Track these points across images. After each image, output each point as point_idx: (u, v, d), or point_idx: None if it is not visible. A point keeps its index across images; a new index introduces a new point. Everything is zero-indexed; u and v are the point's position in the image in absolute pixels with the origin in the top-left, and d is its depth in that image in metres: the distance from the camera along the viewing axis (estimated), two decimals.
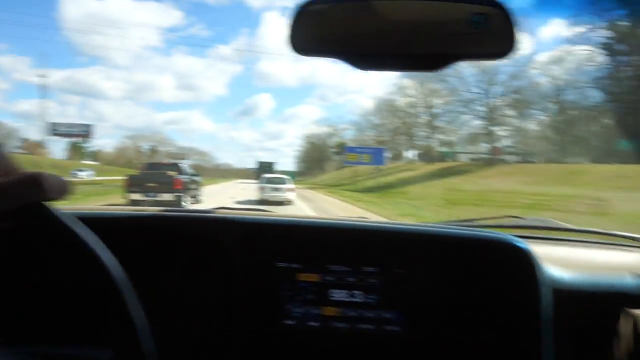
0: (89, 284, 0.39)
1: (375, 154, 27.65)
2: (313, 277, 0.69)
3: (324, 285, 0.70)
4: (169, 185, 9.41)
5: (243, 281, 0.68)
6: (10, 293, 0.60)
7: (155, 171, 10.56)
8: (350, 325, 0.69)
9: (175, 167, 11.28)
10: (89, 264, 0.34)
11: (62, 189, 0.36)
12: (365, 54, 0.53)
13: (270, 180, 14.91)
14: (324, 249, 0.70)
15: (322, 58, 0.54)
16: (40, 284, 0.58)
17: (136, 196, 9.14)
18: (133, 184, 9.38)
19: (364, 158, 27.24)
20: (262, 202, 12.64)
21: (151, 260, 0.65)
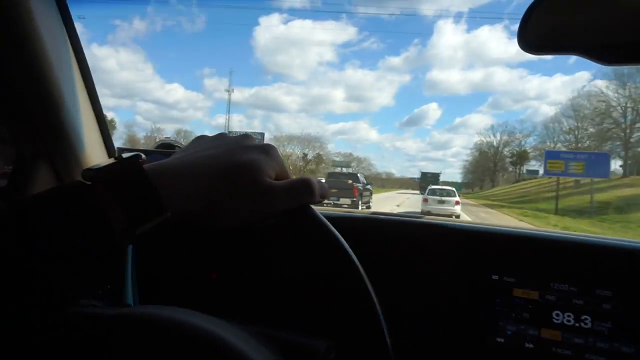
0: (335, 279, 0.42)
1: (593, 162, 18.39)
2: (531, 294, 0.65)
3: (544, 304, 0.64)
4: (349, 191, 11.65)
5: (452, 290, 0.68)
6: (260, 280, 0.74)
7: (336, 179, 12.79)
8: (575, 353, 0.62)
9: (353, 176, 13.57)
10: (339, 260, 0.38)
11: (324, 193, 0.40)
12: (611, 46, 0.48)
13: (435, 192, 14.43)
14: (544, 265, 0.65)
15: (558, 54, 0.51)
16: (291, 275, 0.70)
17: None
18: None
19: (574, 167, 18.37)
20: (426, 214, 12.28)
21: (362, 260, 0.72)
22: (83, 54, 0.69)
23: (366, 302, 0.37)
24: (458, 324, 0.67)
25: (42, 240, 0.26)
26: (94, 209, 0.29)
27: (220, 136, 0.40)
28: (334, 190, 11.37)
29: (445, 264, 0.68)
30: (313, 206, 0.40)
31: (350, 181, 12.37)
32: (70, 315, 0.41)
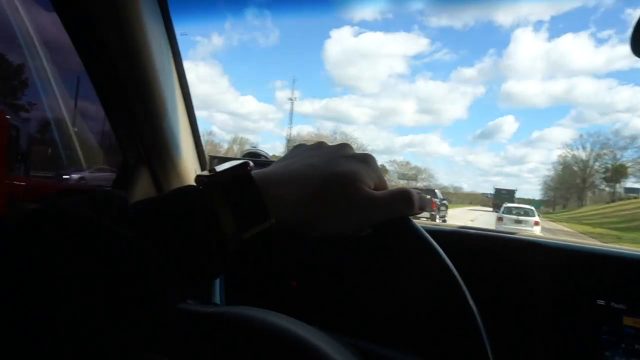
0: (435, 294, 0.40)
1: None
2: None
3: None
4: (429, 206, 12.94)
5: (552, 315, 0.62)
6: (353, 290, 0.74)
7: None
8: None
9: (431, 192, 15.34)
10: (439, 274, 0.36)
11: (423, 205, 0.39)
12: None
13: (511, 210, 13.47)
14: None
15: None
16: (382, 287, 0.70)
17: None
18: None
19: None
20: None
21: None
22: (183, 69, 0.76)
23: (469, 321, 0.35)
24: (558, 353, 0.61)
25: (159, 239, 0.28)
26: (207, 212, 0.30)
27: (320, 145, 0.40)
28: None
29: (544, 286, 0.63)
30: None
31: (428, 196, 13.66)
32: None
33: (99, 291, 0.25)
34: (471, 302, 0.35)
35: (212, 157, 0.87)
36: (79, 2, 0.61)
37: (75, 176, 0.98)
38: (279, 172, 0.36)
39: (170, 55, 0.72)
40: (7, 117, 0.89)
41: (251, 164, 0.34)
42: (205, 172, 0.34)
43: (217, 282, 0.75)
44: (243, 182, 0.32)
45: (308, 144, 0.42)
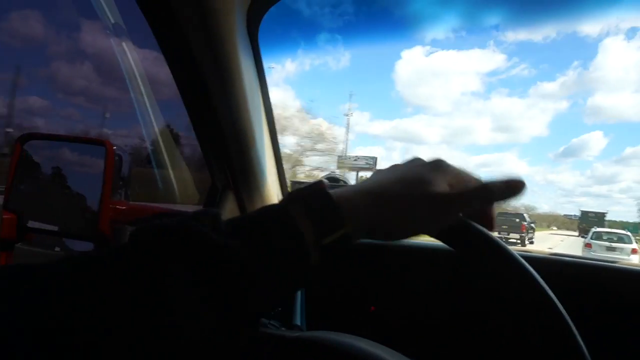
0: (531, 322, 0.38)
1: None
2: None
3: None
4: (518, 228, 14.44)
5: None
6: (436, 317, 0.73)
7: (506, 218, 15.09)
8: None
9: (520, 216, 15.78)
10: (539, 303, 0.35)
11: (506, 194, 0.39)
12: None
13: (601, 236, 12.16)
14: None
15: None
16: (476, 315, 0.68)
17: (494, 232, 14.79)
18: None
19: None
20: None
21: None
22: (269, 100, 0.81)
23: (569, 342, 0.33)
24: None
25: (250, 248, 0.31)
26: (289, 222, 0.33)
27: (394, 165, 0.42)
28: (504, 227, 14.31)
29: None
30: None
31: (518, 219, 15.02)
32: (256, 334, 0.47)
33: (209, 297, 0.28)
34: (576, 333, 0.33)
35: (294, 182, 0.91)
36: (181, 41, 0.69)
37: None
38: (352, 188, 0.38)
39: (259, 86, 0.78)
40: (114, 147, 1.01)
41: (326, 181, 0.37)
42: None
43: (299, 306, 0.77)
44: (319, 195, 0.35)
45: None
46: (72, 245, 1.02)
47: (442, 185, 0.37)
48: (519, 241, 14.35)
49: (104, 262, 0.28)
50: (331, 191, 0.36)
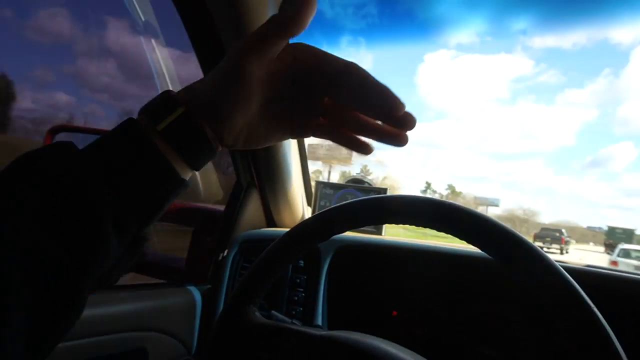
0: (571, 335, 0.37)
1: None
2: None
3: None
4: (559, 240, 17.82)
5: None
6: (462, 327, 0.73)
7: (548, 232, 18.99)
8: None
9: (560, 231, 19.42)
10: (580, 316, 0.34)
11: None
12: None
13: (630, 254, 11.74)
14: None
15: None
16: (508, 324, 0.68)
17: (539, 243, 16.16)
18: (538, 237, 17.63)
19: None
20: None
21: None
22: None
23: (611, 352, 0.33)
24: None
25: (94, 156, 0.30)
26: (127, 121, 0.32)
27: None
28: (547, 239, 17.64)
29: None
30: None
31: (558, 234, 18.76)
32: (281, 329, 0.47)
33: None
34: (617, 343, 0.33)
35: (319, 183, 0.92)
36: (213, 40, 0.71)
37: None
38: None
39: None
40: None
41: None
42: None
43: (320, 306, 0.78)
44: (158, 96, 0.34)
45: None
46: None
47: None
48: (558, 251, 17.69)
49: None
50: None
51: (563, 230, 20.31)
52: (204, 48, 0.75)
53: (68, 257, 0.27)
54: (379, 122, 0.35)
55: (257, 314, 0.47)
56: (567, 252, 18.68)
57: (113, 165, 0.29)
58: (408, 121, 0.33)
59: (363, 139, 0.36)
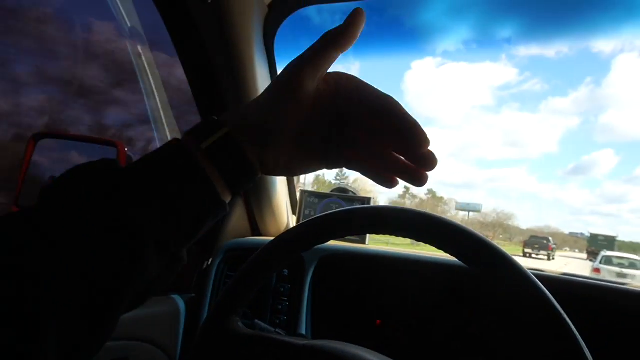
0: (541, 342, 0.38)
1: None
2: None
3: None
4: (546, 247, 19.19)
5: None
6: (442, 335, 0.74)
7: (537, 239, 20.49)
8: None
9: (547, 239, 20.92)
10: (550, 323, 0.35)
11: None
12: None
13: (611, 261, 11.96)
14: None
15: None
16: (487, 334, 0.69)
17: (528, 250, 18.74)
18: (527, 244, 19.18)
19: None
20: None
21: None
22: None
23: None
24: None
25: (140, 176, 0.30)
26: (173, 143, 0.32)
27: None
28: (536, 246, 19.23)
29: None
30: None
31: (545, 241, 20.09)
32: (264, 339, 0.48)
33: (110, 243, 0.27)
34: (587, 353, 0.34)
35: (303, 192, 0.93)
36: (198, 48, 0.72)
37: None
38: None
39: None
40: (126, 149, 1.04)
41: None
42: None
43: (304, 315, 0.79)
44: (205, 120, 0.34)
45: None
46: None
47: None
48: (546, 257, 19.01)
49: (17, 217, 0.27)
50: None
51: (550, 238, 21.31)
52: (188, 57, 0.76)
53: (106, 279, 0.27)
54: (405, 160, 0.35)
55: (240, 324, 0.48)
56: (553, 259, 19.51)
57: (158, 186, 0.30)
58: (431, 160, 0.34)
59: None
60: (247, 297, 0.48)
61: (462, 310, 0.73)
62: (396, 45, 0.96)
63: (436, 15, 0.93)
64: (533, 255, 18.65)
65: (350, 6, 0.77)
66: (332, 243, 0.82)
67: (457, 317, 0.73)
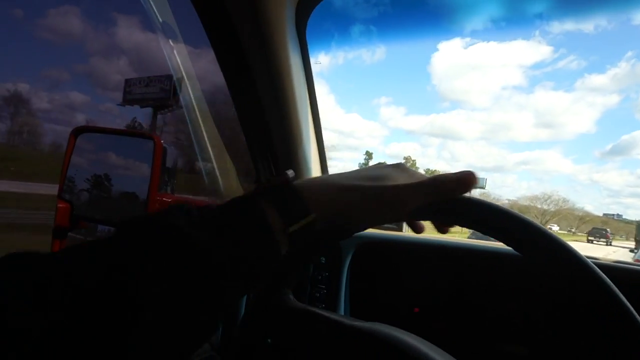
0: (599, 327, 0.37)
1: None
2: None
3: None
4: (605, 236, 23.86)
5: None
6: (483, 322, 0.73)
7: (597, 230, 24.72)
8: None
9: (605, 230, 25.43)
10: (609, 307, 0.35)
11: (468, 182, 0.41)
12: None
13: None
14: None
15: None
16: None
17: (591, 238, 23.20)
18: (590, 234, 23.14)
19: None
20: None
21: None
22: (315, 94, 0.84)
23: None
24: None
25: (220, 237, 0.33)
26: (256, 212, 0.35)
27: (359, 168, 0.46)
28: (597, 235, 23.83)
29: None
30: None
31: (604, 231, 25.06)
32: (314, 315, 0.49)
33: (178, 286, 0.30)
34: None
35: None
36: (231, 38, 0.73)
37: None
38: (319, 179, 0.43)
39: (306, 83, 0.82)
40: (163, 143, 1.07)
41: (291, 173, 0.40)
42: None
43: (342, 298, 0.80)
44: (284, 186, 0.38)
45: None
46: None
47: (400, 181, 0.41)
48: (604, 243, 22.71)
49: (89, 256, 0.30)
50: (295, 182, 0.39)
51: (608, 229, 27.69)
52: (221, 48, 0.77)
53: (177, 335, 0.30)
54: None
55: (292, 296, 0.49)
56: (610, 244, 23.68)
57: (236, 263, 0.33)
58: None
59: None
60: (298, 272, 0.50)
61: (500, 297, 0.72)
62: (422, 27, 0.94)
63: None
64: (594, 242, 23.49)
65: (392, 1, 0.76)
66: (369, 230, 0.83)
67: (494, 304, 0.73)
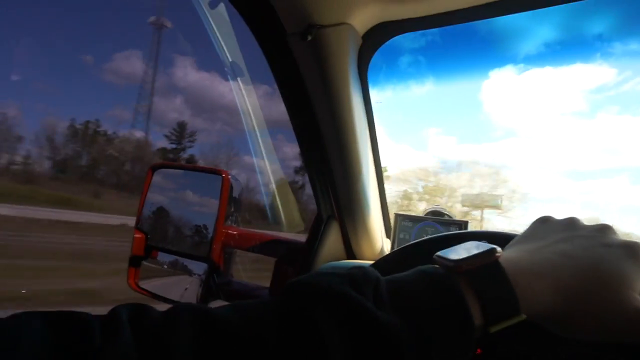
0: None
1: None
2: None
3: None
4: None
5: None
6: None
7: None
8: None
9: None
10: None
11: None
12: None
13: None
14: None
15: None
16: None
17: None
18: None
19: None
20: None
21: None
22: (376, 133, 0.88)
23: None
24: None
25: (411, 323, 0.30)
26: (456, 301, 0.31)
27: (572, 224, 0.38)
28: None
29: None
30: None
31: None
32: None
33: None
34: None
35: (398, 215, 0.95)
36: (297, 79, 0.79)
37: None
38: (529, 261, 0.35)
39: (367, 121, 0.85)
40: (229, 177, 1.15)
41: (499, 250, 0.34)
42: (442, 252, 0.36)
43: None
44: (492, 272, 0.32)
45: (556, 218, 0.40)
46: (189, 265, 1.17)
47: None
48: None
49: (264, 318, 0.29)
50: (504, 260, 0.33)
51: None
52: (287, 88, 0.84)
53: None
54: None
55: None
56: None
57: (426, 344, 0.30)
58: None
59: None
60: None
61: None
62: (472, 55, 0.91)
63: (513, 18, 0.89)
64: None
65: (440, 30, 0.79)
66: None
67: None
